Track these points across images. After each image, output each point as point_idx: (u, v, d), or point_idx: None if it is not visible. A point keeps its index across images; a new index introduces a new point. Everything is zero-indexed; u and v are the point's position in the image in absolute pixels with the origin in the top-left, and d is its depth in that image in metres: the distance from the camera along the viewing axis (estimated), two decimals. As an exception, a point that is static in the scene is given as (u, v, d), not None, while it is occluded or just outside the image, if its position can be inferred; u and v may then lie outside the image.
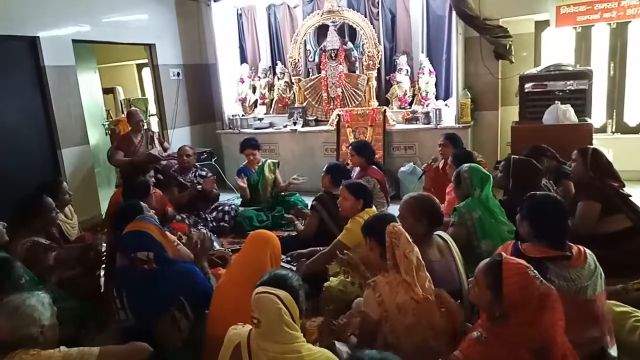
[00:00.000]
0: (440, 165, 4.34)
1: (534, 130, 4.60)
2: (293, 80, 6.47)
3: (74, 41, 5.16)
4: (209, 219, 4.79)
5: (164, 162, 5.09)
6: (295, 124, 6.23)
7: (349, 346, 2.10)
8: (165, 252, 2.52)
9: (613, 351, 1.97)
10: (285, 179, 5.15)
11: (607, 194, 3.16)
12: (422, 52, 5.86)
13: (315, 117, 6.32)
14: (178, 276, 2.46)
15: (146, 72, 9.68)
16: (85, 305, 2.72)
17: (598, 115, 5.51)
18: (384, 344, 1.95)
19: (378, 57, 5.88)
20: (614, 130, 5.68)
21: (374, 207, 3.13)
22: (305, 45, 6.30)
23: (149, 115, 8.34)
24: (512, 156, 3.45)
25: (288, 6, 6.54)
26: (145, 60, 6.76)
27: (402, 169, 5.44)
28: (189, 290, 2.41)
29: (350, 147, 4.67)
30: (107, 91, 8.81)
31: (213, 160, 6.36)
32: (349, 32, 6.15)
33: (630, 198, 3.23)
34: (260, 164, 5.07)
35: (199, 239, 2.88)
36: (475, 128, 5.64)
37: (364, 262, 2.60)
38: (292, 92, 6.59)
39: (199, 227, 4.28)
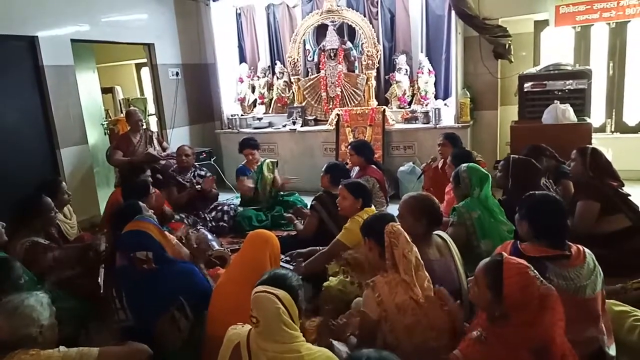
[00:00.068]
0: (440, 165, 4.34)
1: (533, 129, 4.60)
2: (292, 80, 6.47)
3: (72, 41, 5.16)
4: (208, 218, 4.79)
5: (163, 162, 5.09)
6: (294, 123, 6.22)
7: (348, 346, 2.10)
8: (164, 251, 2.52)
9: (612, 350, 1.97)
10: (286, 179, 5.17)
11: (607, 193, 3.16)
12: (422, 52, 5.86)
13: (314, 117, 6.32)
14: (177, 276, 2.46)
15: (145, 72, 9.69)
16: (85, 305, 2.71)
17: (597, 115, 5.51)
18: (384, 343, 1.95)
19: (377, 57, 5.88)
20: (613, 129, 5.68)
21: (373, 207, 3.13)
22: (305, 45, 6.30)
23: (148, 115, 8.35)
24: (512, 156, 3.45)
25: (287, 6, 6.53)
26: (144, 60, 6.76)
27: (402, 168, 5.44)
28: (189, 290, 2.41)
29: (349, 147, 4.67)
30: (106, 91, 8.80)
31: (212, 160, 6.36)
32: (348, 32, 6.15)
33: (629, 197, 3.23)
34: (259, 163, 5.07)
35: (197, 241, 2.89)
36: (475, 128, 5.64)
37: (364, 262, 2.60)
38: (291, 91, 6.59)
39: (198, 227, 4.28)
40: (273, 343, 1.65)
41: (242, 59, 6.96)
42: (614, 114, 5.66)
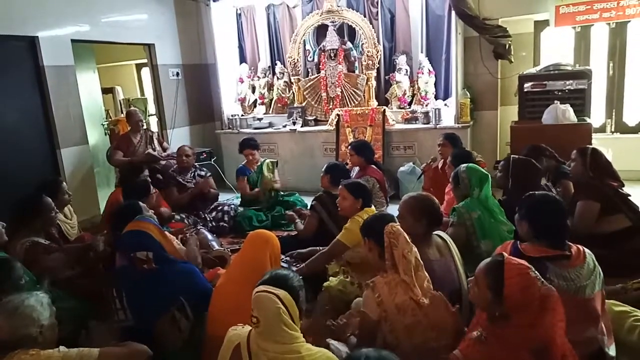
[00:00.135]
0: (440, 165, 4.34)
1: (533, 130, 4.60)
2: (292, 80, 6.47)
3: (73, 41, 5.16)
4: (208, 218, 4.79)
5: (163, 162, 5.09)
6: (294, 123, 6.23)
7: (348, 346, 2.10)
8: (164, 251, 2.52)
9: (612, 350, 1.97)
10: (284, 180, 5.16)
11: (607, 193, 3.15)
12: (422, 52, 5.86)
13: (314, 117, 6.32)
14: (178, 276, 2.46)
15: (145, 72, 9.69)
16: (85, 305, 2.72)
17: (597, 115, 5.51)
18: (384, 344, 1.95)
19: (377, 57, 5.88)
20: (613, 129, 5.68)
21: (373, 207, 3.13)
22: (305, 45, 6.30)
23: (148, 115, 8.35)
24: (512, 156, 3.45)
25: (287, 6, 6.54)
26: (145, 60, 6.76)
27: (402, 168, 5.44)
28: (189, 290, 2.42)
29: (349, 147, 4.66)
30: (107, 91, 8.80)
31: (212, 160, 6.36)
32: (348, 32, 6.15)
33: (629, 198, 3.23)
34: (259, 163, 5.07)
35: (195, 243, 2.90)
36: (475, 128, 5.64)
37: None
38: (291, 92, 6.59)
39: (199, 227, 4.29)
40: (273, 343, 1.65)
41: (243, 59, 6.96)
42: (614, 114, 5.66)
